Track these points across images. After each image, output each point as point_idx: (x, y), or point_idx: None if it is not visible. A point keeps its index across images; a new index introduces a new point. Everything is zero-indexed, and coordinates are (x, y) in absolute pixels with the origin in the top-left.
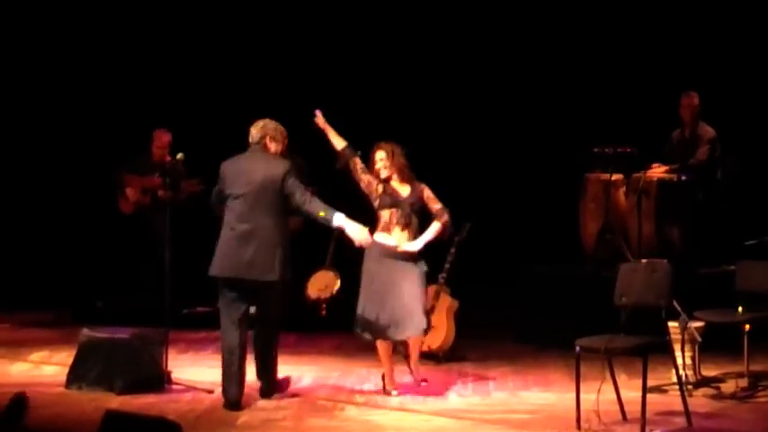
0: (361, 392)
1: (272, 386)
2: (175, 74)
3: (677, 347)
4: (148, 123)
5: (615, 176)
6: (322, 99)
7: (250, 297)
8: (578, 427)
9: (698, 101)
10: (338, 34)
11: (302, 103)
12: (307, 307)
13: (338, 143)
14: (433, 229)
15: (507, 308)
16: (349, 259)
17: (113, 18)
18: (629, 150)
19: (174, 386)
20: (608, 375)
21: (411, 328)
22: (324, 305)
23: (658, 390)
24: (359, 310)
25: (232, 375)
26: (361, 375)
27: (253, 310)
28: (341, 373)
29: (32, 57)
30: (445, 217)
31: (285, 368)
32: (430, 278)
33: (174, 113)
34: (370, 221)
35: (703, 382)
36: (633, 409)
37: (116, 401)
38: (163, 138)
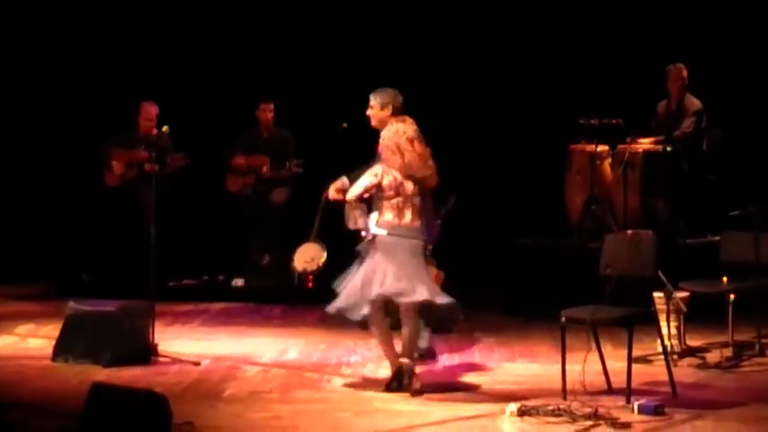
0: (348, 364)
1: None
2: (162, 46)
3: (662, 318)
4: (135, 96)
5: (601, 148)
6: (312, 69)
7: None
8: (564, 397)
9: (686, 73)
10: (325, 7)
11: (292, 75)
12: (293, 279)
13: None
14: None
15: (493, 280)
16: (335, 232)
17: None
18: (614, 122)
19: (161, 358)
20: (593, 346)
21: None
22: (310, 277)
23: (643, 360)
24: None
25: None
26: (348, 347)
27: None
28: (327, 345)
29: (18, 31)
30: None
31: (271, 340)
32: None
33: (161, 86)
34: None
35: (688, 352)
36: (618, 379)
37: (103, 374)
38: (150, 110)
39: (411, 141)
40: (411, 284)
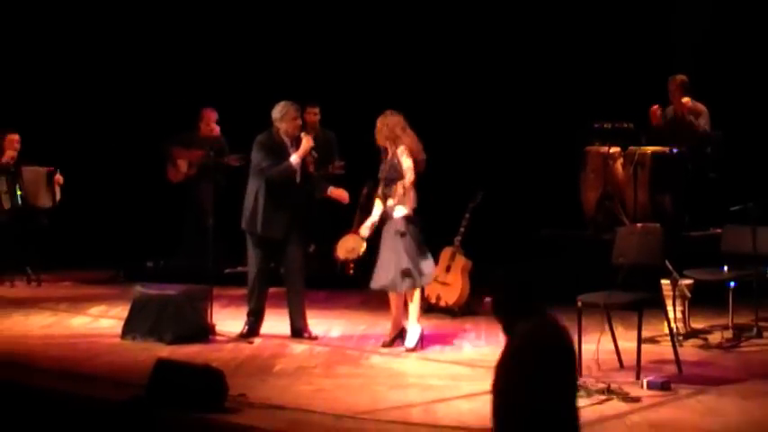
0: (385, 343)
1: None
2: (218, 55)
3: (669, 303)
4: (194, 101)
5: (613, 149)
6: (347, 74)
7: None
8: (580, 374)
9: (681, 81)
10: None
11: (338, 80)
12: (336, 267)
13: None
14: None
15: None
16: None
17: (168, 10)
18: (626, 125)
19: (218, 337)
20: (607, 328)
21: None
22: (351, 265)
23: (652, 341)
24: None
25: None
26: (386, 328)
27: None
28: (366, 326)
29: (95, 44)
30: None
31: (316, 321)
32: (446, 241)
33: (218, 92)
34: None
35: (692, 333)
36: (629, 357)
37: (166, 351)
38: (210, 115)
39: (404, 130)
40: None
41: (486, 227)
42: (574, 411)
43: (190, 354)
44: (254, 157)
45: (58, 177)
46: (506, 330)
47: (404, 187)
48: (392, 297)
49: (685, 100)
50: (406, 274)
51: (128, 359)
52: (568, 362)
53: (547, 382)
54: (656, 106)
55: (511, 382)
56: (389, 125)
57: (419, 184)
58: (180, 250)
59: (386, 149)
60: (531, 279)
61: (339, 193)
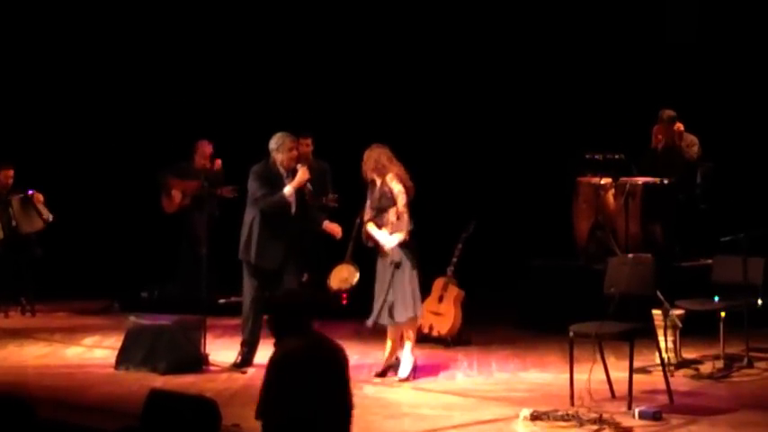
0: (378, 373)
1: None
2: (212, 87)
3: (660, 332)
4: (186, 133)
5: (605, 180)
6: (340, 105)
7: None
8: (572, 403)
9: (667, 116)
10: (357, 45)
11: (332, 113)
12: (329, 297)
13: None
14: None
15: (509, 297)
16: (366, 254)
17: (163, 42)
18: (617, 157)
19: (212, 367)
20: (598, 357)
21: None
22: (344, 295)
23: (643, 370)
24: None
25: None
26: (378, 358)
27: None
28: (360, 355)
29: (90, 73)
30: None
31: None
32: (439, 271)
33: (211, 122)
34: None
35: (684, 363)
36: (621, 387)
37: (159, 381)
38: (205, 149)
39: (390, 160)
40: None
41: (479, 257)
42: (330, 422)
43: (183, 384)
44: (250, 186)
45: (39, 197)
46: (275, 344)
47: (397, 212)
48: (390, 328)
49: (678, 125)
50: (402, 306)
51: (122, 389)
52: (320, 376)
53: (292, 393)
54: (657, 127)
55: (266, 390)
56: (375, 156)
57: (411, 212)
58: (175, 280)
59: (373, 182)
60: (298, 303)
61: (332, 228)
